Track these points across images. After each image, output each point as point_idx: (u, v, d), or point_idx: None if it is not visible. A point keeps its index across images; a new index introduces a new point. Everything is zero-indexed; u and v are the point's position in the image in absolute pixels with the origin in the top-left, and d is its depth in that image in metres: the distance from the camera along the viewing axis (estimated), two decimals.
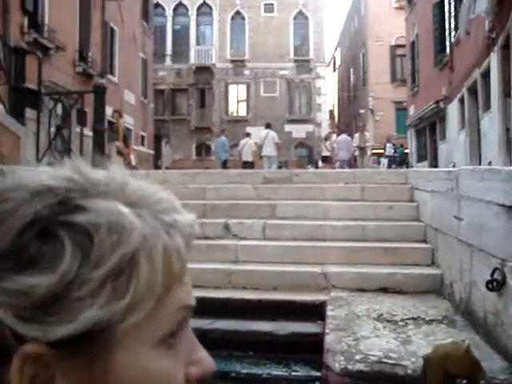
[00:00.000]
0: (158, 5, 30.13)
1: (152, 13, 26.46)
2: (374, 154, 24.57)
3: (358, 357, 3.09)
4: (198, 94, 31.82)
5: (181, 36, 31.41)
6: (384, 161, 21.33)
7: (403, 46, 24.70)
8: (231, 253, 5.41)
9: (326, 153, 17.09)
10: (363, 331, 3.59)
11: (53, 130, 7.41)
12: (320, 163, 26.03)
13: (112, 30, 19.96)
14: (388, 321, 3.96)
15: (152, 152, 25.96)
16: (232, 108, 32.18)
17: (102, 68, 18.73)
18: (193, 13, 31.34)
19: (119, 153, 12.15)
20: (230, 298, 4.66)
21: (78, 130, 16.53)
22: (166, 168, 21.21)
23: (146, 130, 25.43)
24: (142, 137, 24.78)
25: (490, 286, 3.29)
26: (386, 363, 3.01)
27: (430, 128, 19.34)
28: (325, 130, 29.54)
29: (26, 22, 13.57)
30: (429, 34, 18.33)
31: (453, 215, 4.38)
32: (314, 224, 5.79)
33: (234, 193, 6.78)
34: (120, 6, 20.11)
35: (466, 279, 4.03)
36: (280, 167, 18.64)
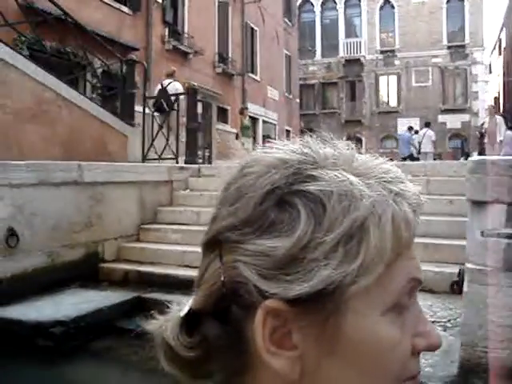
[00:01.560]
0: (306, 1, 30.67)
1: (295, 10, 27.02)
2: None
3: None
4: (347, 87, 31.66)
5: (330, 30, 31.49)
6: None
7: None
8: None
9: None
10: None
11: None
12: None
13: (252, 30, 20.96)
14: None
15: None
16: (383, 100, 31.37)
17: (242, 68, 19.82)
18: (341, 6, 31.20)
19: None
20: None
21: (220, 126, 18.01)
22: None
23: (292, 124, 26.18)
24: (288, 131, 25.57)
25: (453, 287, 3.09)
26: None
27: None
28: (482, 119, 27.13)
29: (166, 32, 15.12)
30: None
31: None
32: None
33: None
34: (260, 8, 21.00)
35: None
36: (435, 159, 18.07)
